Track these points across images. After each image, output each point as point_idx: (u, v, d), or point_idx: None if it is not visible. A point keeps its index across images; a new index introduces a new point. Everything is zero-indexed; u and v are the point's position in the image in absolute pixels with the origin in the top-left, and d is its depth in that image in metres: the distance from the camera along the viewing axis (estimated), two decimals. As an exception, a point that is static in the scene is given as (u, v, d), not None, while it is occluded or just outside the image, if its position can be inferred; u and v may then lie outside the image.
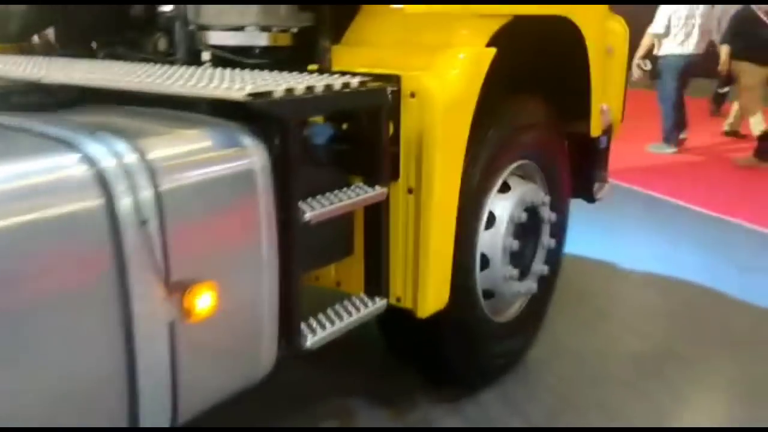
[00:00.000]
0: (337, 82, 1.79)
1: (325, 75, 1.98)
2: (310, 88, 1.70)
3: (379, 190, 1.95)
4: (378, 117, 1.94)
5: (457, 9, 2.18)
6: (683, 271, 4.21)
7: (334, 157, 2.02)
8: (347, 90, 1.82)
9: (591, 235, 4.54)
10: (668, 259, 4.44)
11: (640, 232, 5.12)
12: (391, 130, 2.14)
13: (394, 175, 2.16)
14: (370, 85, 1.93)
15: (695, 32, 7.68)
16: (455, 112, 2.16)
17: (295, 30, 2.32)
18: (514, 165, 2.74)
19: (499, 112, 2.61)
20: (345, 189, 1.94)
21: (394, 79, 2.11)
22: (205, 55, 2.36)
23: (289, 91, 1.64)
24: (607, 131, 3.68)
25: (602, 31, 3.10)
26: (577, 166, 3.44)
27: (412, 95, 2.11)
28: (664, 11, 7.78)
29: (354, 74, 2.04)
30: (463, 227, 2.42)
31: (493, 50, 2.28)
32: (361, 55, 2.32)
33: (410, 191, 2.17)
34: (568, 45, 2.88)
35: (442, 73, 2.14)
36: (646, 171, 6.87)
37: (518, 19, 2.43)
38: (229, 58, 2.32)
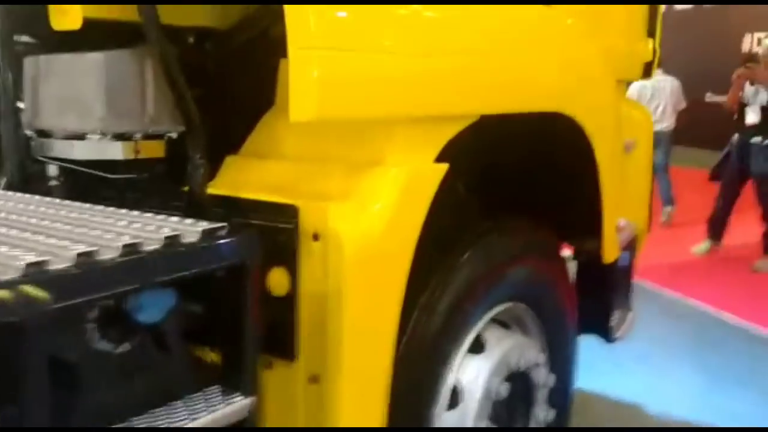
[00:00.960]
0: (150, 237, 1.10)
1: (157, 217, 1.29)
2: (86, 254, 1.00)
3: (239, 403, 1.22)
4: (239, 286, 1.23)
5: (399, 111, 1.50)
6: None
7: (183, 340, 1.32)
8: (174, 249, 1.12)
9: (605, 362, 3.71)
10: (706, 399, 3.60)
11: (668, 350, 4.28)
12: (287, 286, 1.45)
13: (289, 354, 1.45)
14: (223, 234, 1.23)
15: (659, 110, 7.37)
16: (378, 260, 1.44)
17: (173, 135, 1.67)
18: (494, 312, 2.00)
19: (466, 244, 1.90)
20: (193, 397, 1.23)
21: (290, 213, 1.42)
22: (52, 171, 1.71)
23: (35, 266, 0.95)
24: (630, 246, 2.94)
25: (616, 126, 2.39)
26: (590, 294, 2.69)
27: (316, 237, 1.41)
28: (632, 87, 7.39)
29: (210, 205, 1.37)
30: (408, 411, 1.69)
31: (442, 167, 1.58)
32: (261, 171, 1.64)
33: (313, 380, 1.44)
34: (567, 148, 2.18)
35: (361, 204, 1.44)
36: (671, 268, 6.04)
37: (487, 120, 1.74)
38: (90, 174, 1.68)
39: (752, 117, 5.88)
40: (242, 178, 1.63)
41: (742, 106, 5.96)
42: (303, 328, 1.44)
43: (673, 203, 7.73)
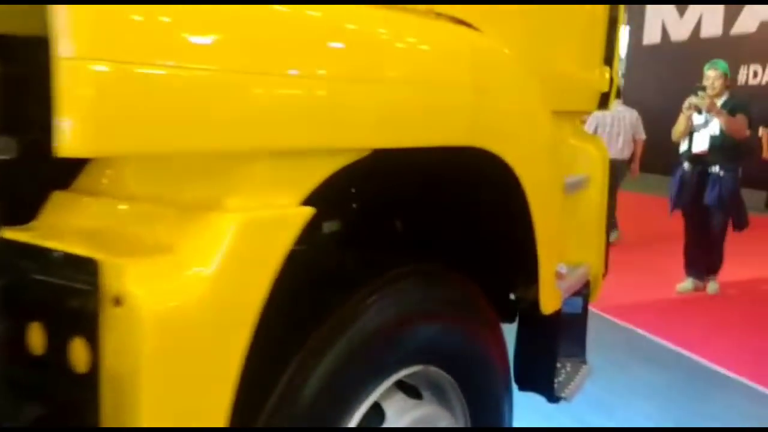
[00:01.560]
0: None
1: None
2: None
3: None
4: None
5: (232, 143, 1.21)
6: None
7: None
8: None
9: (562, 413, 3.41)
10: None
11: (634, 398, 3.96)
12: (88, 361, 1.15)
13: (87, 446, 1.15)
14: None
15: (620, 139, 7.62)
16: (201, 330, 1.13)
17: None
18: (397, 377, 1.70)
19: (361, 294, 1.60)
20: None
21: (89, 269, 1.13)
22: None
23: None
24: (583, 291, 2.66)
25: (553, 161, 2.11)
26: (531, 347, 2.40)
27: (117, 301, 1.12)
28: (592, 117, 7.56)
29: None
30: None
31: (303, 212, 1.29)
32: (86, 211, 1.35)
33: (114, 481, 1.14)
34: (493, 187, 1.90)
35: (179, 260, 1.14)
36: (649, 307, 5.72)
37: (381, 155, 1.46)
38: None
39: (702, 145, 5.71)
40: (62, 220, 1.34)
41: (690, 135, 5.79)
42: (106, 413, 1.14)
43: (614, 228, 7.72)
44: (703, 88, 5.72)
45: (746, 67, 14.31)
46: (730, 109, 5.63)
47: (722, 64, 5.81)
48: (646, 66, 15.50)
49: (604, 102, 2.73)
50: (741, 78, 14.45)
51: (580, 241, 2.63)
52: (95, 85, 0.97)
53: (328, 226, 1.89)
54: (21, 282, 1.18)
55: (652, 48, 16.73)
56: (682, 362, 4.57)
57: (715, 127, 5.64)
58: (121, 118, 1.00)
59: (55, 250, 1.18)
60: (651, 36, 16.93)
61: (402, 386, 1.76)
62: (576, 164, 2.62)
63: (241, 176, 1.25)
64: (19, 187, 1.36)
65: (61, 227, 1.31)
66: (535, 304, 2.17)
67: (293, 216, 1.27)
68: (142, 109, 1.02)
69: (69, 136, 0.96)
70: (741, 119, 5.59)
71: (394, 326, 1.65)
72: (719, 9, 14.82)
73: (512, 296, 2.34)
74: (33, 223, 1.35)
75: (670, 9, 16.15)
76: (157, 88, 1.03)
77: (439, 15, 1.73)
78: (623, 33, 2.82)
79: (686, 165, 5.91)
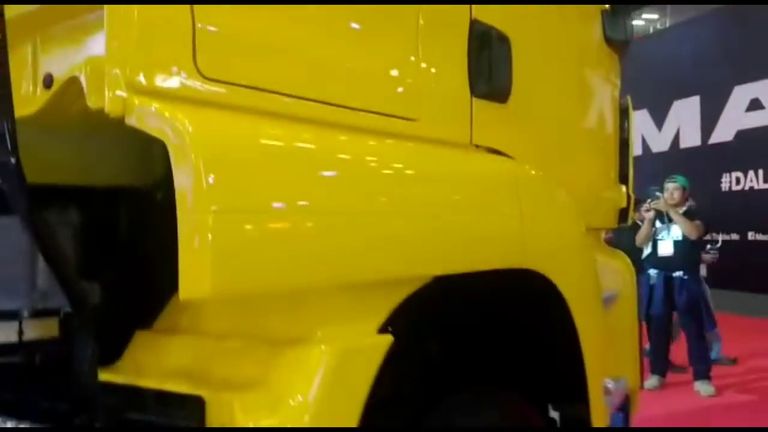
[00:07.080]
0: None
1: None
2: None
3: None
4: None
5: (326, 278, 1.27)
6: None
7: None
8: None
9: None
10: None
11: None
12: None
13: None
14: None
15: None
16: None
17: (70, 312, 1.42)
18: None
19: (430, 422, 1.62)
20: None
21: (193, 407, 1.16)
22: None
23: None
24: (624, 406, 2.64)
25: (593, 279, 2.18)
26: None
27: (226, 437, 1.14)
28: None
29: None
30: None
31: (385, 340, 1.34)
32: (173, 350, 1.39)
33: None
34: (539, 307, 1.95)
35: (279, 394, 1.18)
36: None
37: (442, 283, 1.52)
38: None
39: (668, 249, 5.94)
40: (150, 360, 1.37)
41: (654, 242, 6.05)
42: None
43: None
44: (660, 189, 6.01)
45: (728, 174, 14.77)
46: (688, 216, 5.92)
47: (680, 178, 6.12)
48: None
49: (623, 217, 2.85)
50: (725, 185, 14.87)
51: (616, 355, 2.66)
52: (216, 233, 1.04)
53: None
54: (119, 423, 1.20)
55: (635, 159, 17.34)
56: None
57: (677, 232, 5.90)
58: (238, 263, 1.07)
59: (154, 389, 1.21)
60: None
61: None
62: (604, 280, 2.69)
63: (324, 309, 1.30)
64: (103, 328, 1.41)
65: (151, 365, 1.34)
66: (579, 421, 2.17)
67: (378, 343, 1.32)
68: (255, 253, 1.09)
69: (192, 281, 1.02)
70: (698, 223, 5.87)
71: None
72: (696, 121, 15.47)
73: (552, 414, 2.33)
74: (121, 362, 1.39)
75: (650, 124, 16.86)
76: (272, 233, 1.11)
77: (477, 147, 1.86)
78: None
79: (652, 271, 6.07)
